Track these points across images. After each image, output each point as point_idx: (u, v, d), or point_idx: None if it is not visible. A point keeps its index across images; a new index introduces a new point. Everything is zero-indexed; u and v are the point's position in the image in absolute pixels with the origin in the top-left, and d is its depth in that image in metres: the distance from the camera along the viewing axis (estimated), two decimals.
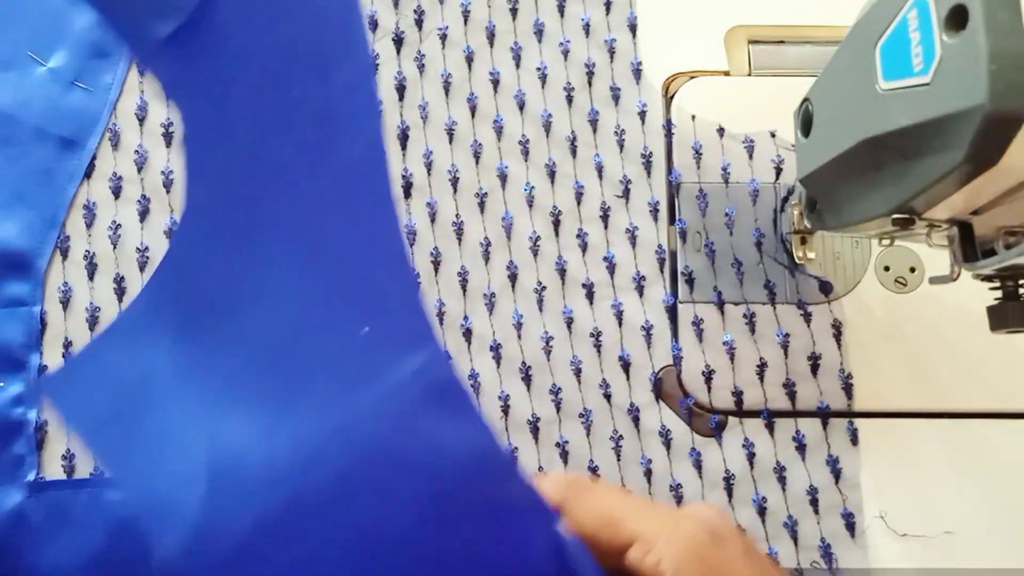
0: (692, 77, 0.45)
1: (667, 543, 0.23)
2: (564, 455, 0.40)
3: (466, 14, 0.46)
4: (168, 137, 0.44)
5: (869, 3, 0.30)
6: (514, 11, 0.46)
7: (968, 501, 0.39)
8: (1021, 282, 0.30)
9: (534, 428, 0.40)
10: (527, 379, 0.41)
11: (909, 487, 0.39)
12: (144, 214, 0.43)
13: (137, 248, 0.42)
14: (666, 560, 0.22)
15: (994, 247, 0.29)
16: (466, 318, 0.42)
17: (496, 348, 0.41)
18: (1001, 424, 0.40)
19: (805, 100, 0.36)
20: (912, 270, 0.42)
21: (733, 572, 0.23)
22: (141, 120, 0.44)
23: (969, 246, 0.29)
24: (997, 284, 0.31)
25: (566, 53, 0.45)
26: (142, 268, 0.42)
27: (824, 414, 0.40)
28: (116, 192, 0.43)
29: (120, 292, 0.42)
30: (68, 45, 0.45)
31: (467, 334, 0.41)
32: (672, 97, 0.45)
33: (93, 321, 0.41)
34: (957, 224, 0.29)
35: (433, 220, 0.43)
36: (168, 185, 0.43)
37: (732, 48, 0.45)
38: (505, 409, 0.40)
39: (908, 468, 0.40)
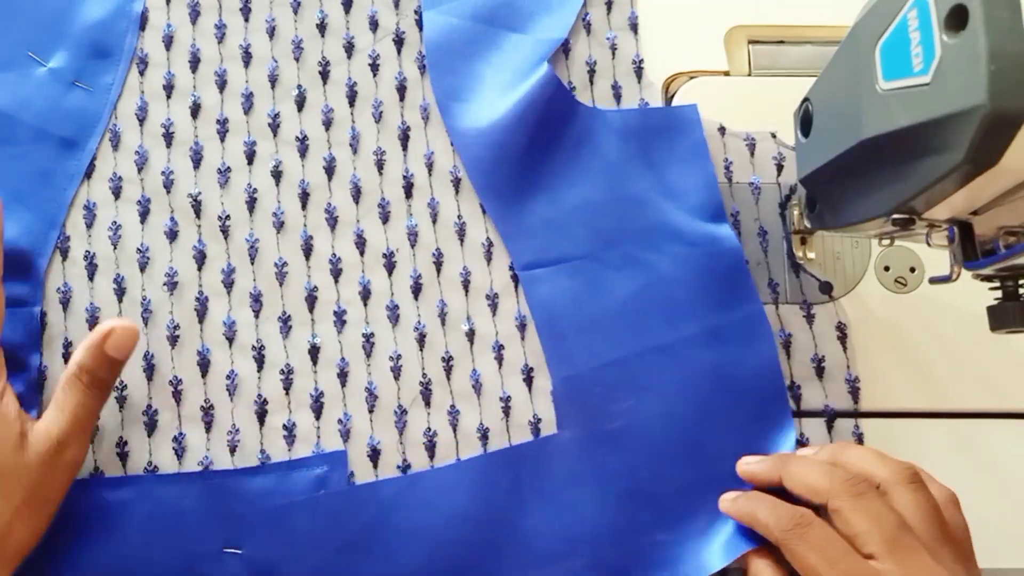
0: (692, 77, 0.45)
1: None
2: None
3: None
4: (168, 138, 0.44)
5: (869, 3, 0.30)
6: None
7: (971, 501, 0.39)
8: (1021, 282, 0.30)
9: (535, 430, 0.40)
10: (528, 380, 0.41)
11: None
12: (144, 215, 0.43)
13: (137, 249, 0.42)
14: None
15: (994, 247, 0.29)
16: (468, 319, 0.42)
17: (498, 349, 0.41)
18: (1001, 424, 0.40)
19: (805, 100, 0.36)
20: (912, 270, 0.42)
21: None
22: (141, 120, 0.44)
23: (969, 246, 0.29)
24: (997, 284, 0.31)
25: (568, 51, 0.45)
26: (142, 269, 0.42)
27: (829, 415, 0.40)
28: (116, 193, 0.43)
29: (120, 293, 0.42)
30: (68, 45, 0.45)
31: (470, 335, 0.41)
32: (672, 97, 0.45)
33: (93, 322, 0.41)
34: (957, 224, 0.29)
35: (435, 221, 0.43)
36: (168, 186, 0.43)
37: (732, 48, 0.45)
38: (506, 410, 0.40)
39: None
